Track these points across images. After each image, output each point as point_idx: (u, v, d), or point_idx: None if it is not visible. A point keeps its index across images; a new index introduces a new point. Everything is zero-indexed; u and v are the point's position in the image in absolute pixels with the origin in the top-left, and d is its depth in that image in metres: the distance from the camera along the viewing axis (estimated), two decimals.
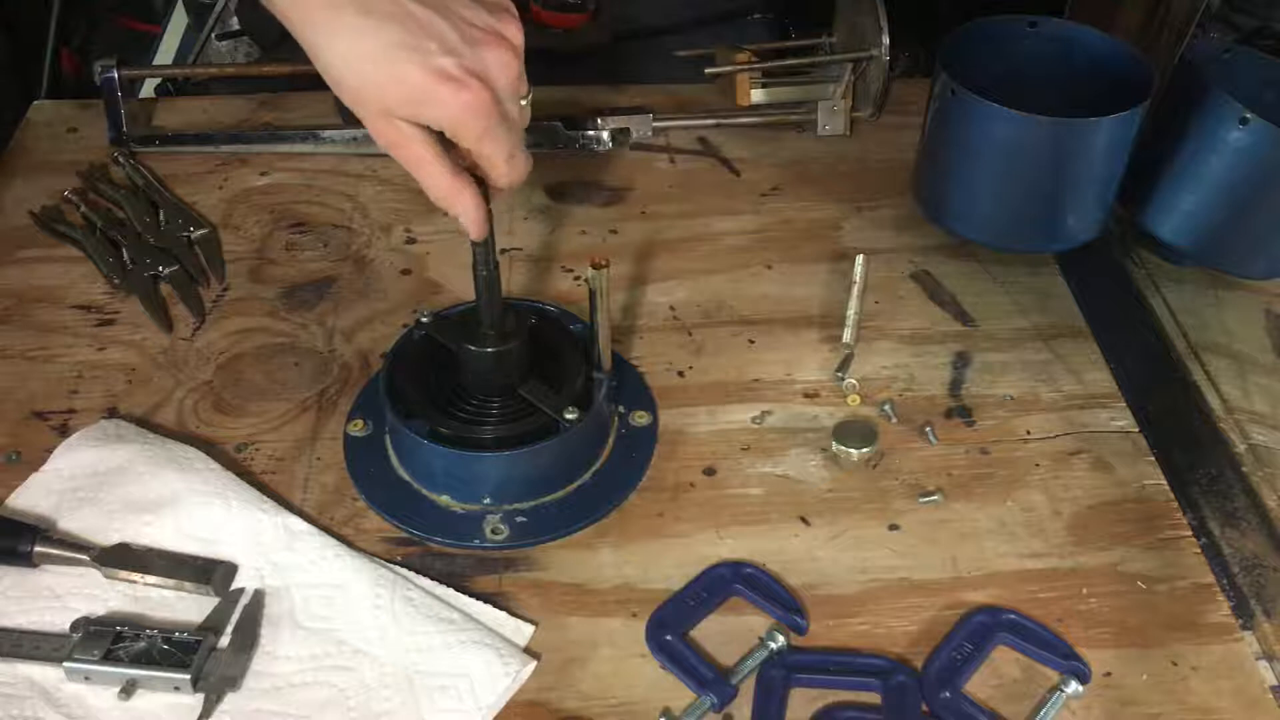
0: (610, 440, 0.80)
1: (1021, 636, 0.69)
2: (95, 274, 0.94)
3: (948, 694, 0.65)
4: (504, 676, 0.65)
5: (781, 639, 0.67)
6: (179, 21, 1.31)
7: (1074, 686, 0.65)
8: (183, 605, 0.68)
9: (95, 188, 1.02)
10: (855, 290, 0.92)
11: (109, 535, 0.71)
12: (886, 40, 1.07)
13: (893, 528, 0.76)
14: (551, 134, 1.08)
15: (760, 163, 1.10)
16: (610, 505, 0.77)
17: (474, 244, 0.71)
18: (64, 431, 0.80)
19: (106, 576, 0.69)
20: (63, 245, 0.97)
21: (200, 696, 0.63)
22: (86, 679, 0.64)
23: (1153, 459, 0.81)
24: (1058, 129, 0.86)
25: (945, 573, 0.73)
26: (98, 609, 0.68)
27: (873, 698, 0.66)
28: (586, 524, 0.75)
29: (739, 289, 0.95)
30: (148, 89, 1.21)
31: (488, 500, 0.75)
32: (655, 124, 1.11)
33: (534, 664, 0.67)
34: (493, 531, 0.74)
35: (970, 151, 0.91)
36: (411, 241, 0.99)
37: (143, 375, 0.85)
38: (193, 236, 0.97)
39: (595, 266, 0.73)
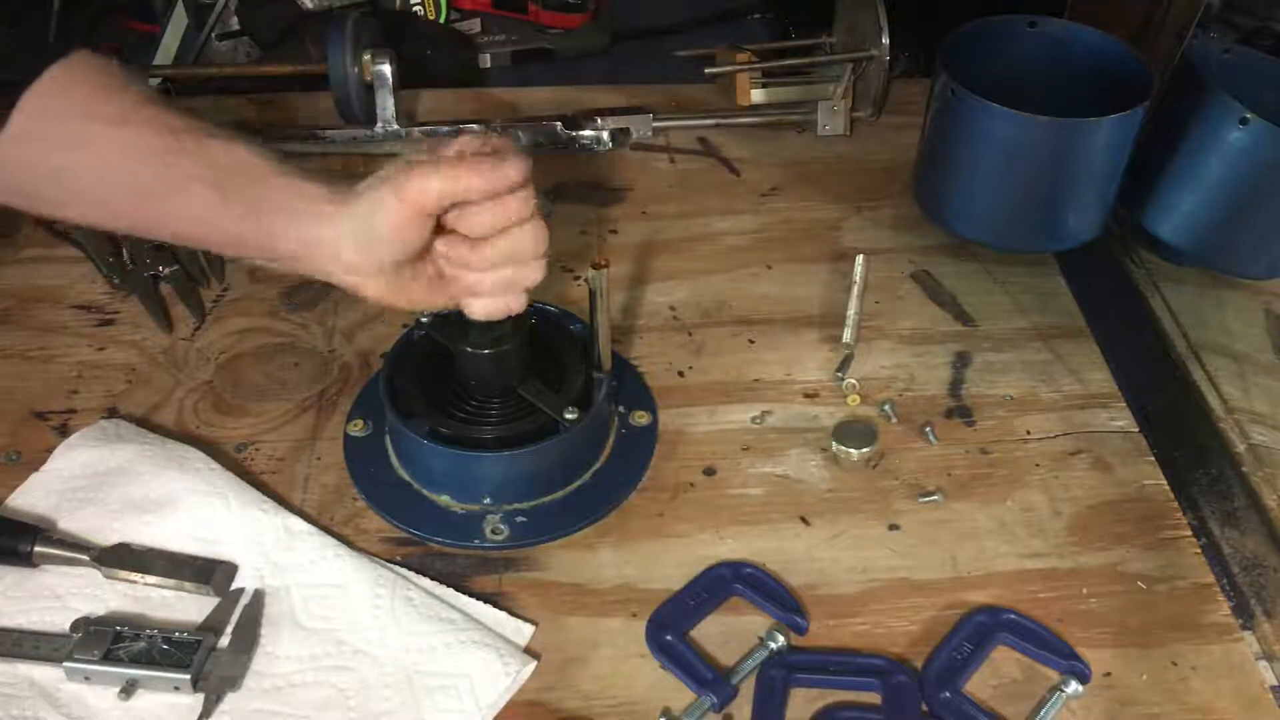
0: (610, 440, 0.80)
1: (1021, 636, 0.69)
2: (95, 274, 0.94)
3: (948, 694, 0.65)
4: (504, 676, 0.65)
5: (781, 639, 0.67)
6: (179, 21, 1.31)
7: (1074, 686, 0.65)
8: (183, 605, 0.68)
9: None
10: (855, 290, 0.92)
11: (109, 535, 0.71)
12: (886, 40, 1.07)
13: (893, 528, 0.76)
14: (551, 134, 1.08)
15: (760, 163, 1.10)
16: (610, 505, 0.77)
17: None
18: (64, 431, 0.80)
19: (106, 576, 0.69)
20: (63, 245, 0.97)
21: (200, 696, 0.63)
22: (86, 679, 0.64)
23: (1153, 459, 0.81)
24: (1058, 129, 0.86)
25: (945, 573, 0.73)
26: (98, 609, 0.68)
27: (873, 698, 0.66)
28: (586, 524, 0.75)
29: (739, 289, 0.95)
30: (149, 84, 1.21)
31: (488, 500, 0.75)
32: (655, 124, 1.11)
33: (534, 664, 0.67)
34: (493, 531, 0.74)
35: (970, 151, 0.91)
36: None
37: (143, 375, 0.85)
38: None
39: (595, 266, 0.73)
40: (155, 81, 1.21)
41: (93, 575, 0.69)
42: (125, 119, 0.67)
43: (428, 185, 0.63)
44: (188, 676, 0.63)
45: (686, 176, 1.08)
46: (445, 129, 1.08)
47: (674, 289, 0.95)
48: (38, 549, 0.69)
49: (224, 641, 0.66)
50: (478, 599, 0.70)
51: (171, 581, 0.69)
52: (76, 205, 0.70)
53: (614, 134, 1.10)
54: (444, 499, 0.76)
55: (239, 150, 0.67)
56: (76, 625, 0.66)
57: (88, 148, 0.67)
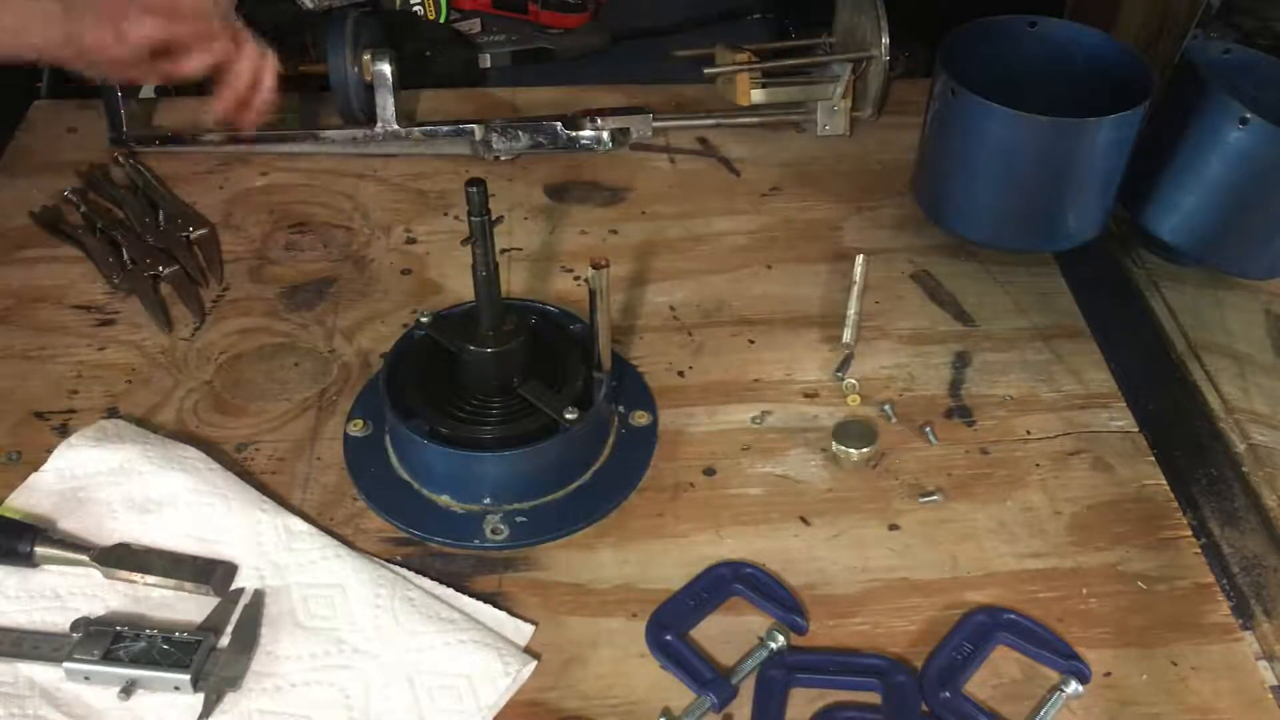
0: (610, 440, 0.80)
1: (1021, 636, 0.69)
2: (95, 274, 0.94)
3: (948, 694, 0.65)
4: (504, 676, 0.65)
5: (781, 639, 0.67)
6: None
7: (1074, 686, 0.65)
8: (183, 605, 0.68)
9: (95, 188, 1.02)
10: (855, 290, 0.92)
11: (109, 535, 0.71)
12: (886, 40, 1.07)
13: (893, 528, 0.76)
14: (551, 134, 1.08)
15: (760, 163, 1.10)
16: (610, 505, 0.77)
17: (473, 244, 0.71)
18: (64, 431, 0.80)
19: (106, 576, 0.69)
20: (63, 245, 0.97)
21: (200, 696, 0.63)
22: (86, 679, 0.64)
23: (1153, 459, 0.81)
24: (1058, 129, 0.86)
25: (945, 573, 0.73)
26: (98, 609, 0.68)
27: (873, 698, 0.66)
28: (586, 524, 0.75)
29: (739, 289, 0.95)
30: (148, 89, 1.21)
31: (488, 500, 0.75)
32: (655, 124, 1.11)
33: (534, 664, 0.67)
34: (493, 531, 0.74)
35: (970, 151, 0.91)
36: (411, 241, 0.99)
37: (143, 375, 0.85)
38: (192, 236, 0.97)
39: (595, 266, 0.73)
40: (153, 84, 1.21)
41: (93, 575, 0.69)
42: None
43: None
44: (188, 676, 0.63)
45: (686, 176, 1.08)
46: (445, 129, 1.08)
47: (674, 289, 0.95)
48: (38, 549, 0.69)
49: (224, 641, 0.66)
50: (478, 599, 0.70)
51: (171, 581, 0.69)
52: None
53: (614, 134, 1.09)
54: (444, 499, 0.76)
55: None
56: (76, 625, 0.66)
57: None
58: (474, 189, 0.69)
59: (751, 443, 0.82)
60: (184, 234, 0.97)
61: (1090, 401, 0.86)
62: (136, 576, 0.69)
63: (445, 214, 1.02)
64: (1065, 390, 0.86)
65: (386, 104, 1.06)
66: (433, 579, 0.71)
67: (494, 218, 0.71)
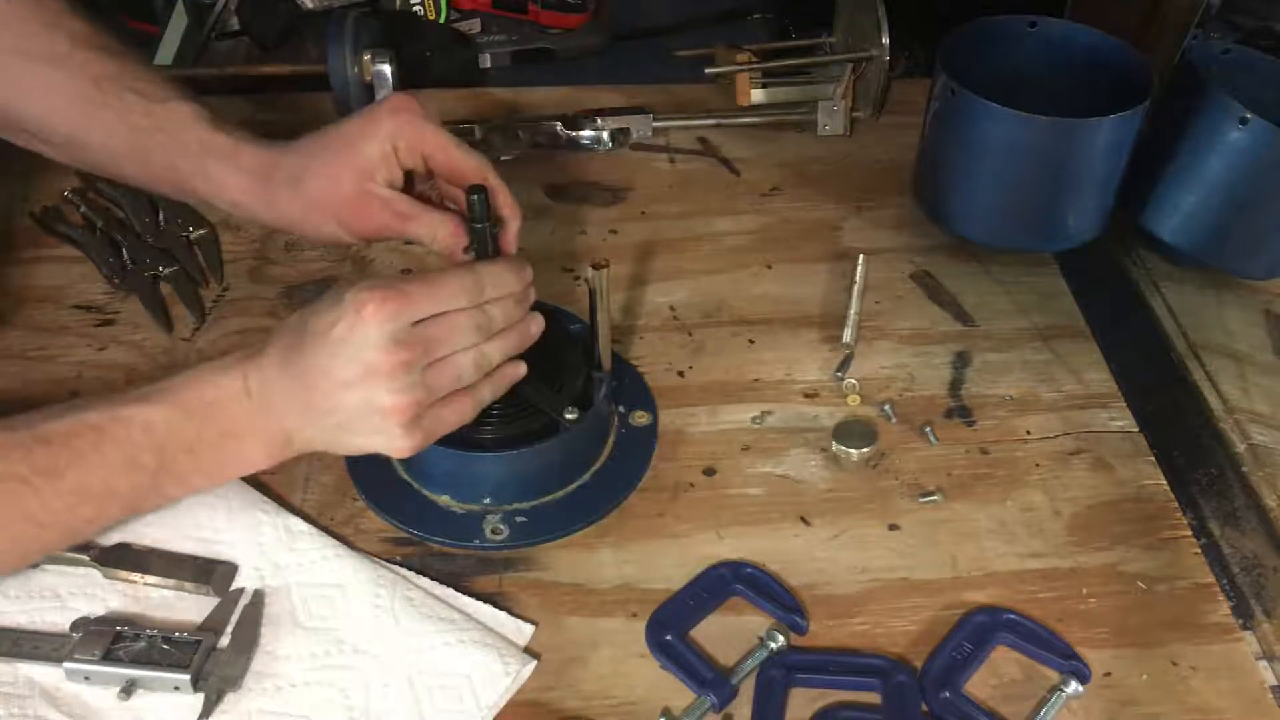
0: (610, 440, 0.80)
1: (1021, 636, 0.69)
2: (95, 274, 0.94)
3: (948, 694, 0.65)
4: (504, 676, 0.65)
5: (781, 639, 0.67)
6: (179, 21, 1.31)
7: (1074, 686, 0.65)
8: (183, 605, 0.68)
9: (95, 188, 1.02)
10: (855, 290, 0.92)
11: (109, 535, 0.71)
12: (886, 40, 1.07)
13: (893, 528, 0.76)
14: (551, 134, 1.08)
15: (760, 163, 1.10)
16: (610, 505, 0.77)
17: (475, 252, 0.71)
18: None
19: (106, 576, 0.69)
20: (63, 245, 0.97)
21: (200, 696, 0.63)
22: (86, 679, 0.64)
23: (1153, 459, 0.81)
24: (1058, 129, 0.86)
25: (945, 573, 0.73)
26: (98, 609, 0.68)
27: (873, 698, 0.66)
28: (586, 524, 0.75)
29: (739, 289, 0.95)
30: None
31: (488, 500, 0.75)
32: (655, 124, 1.11)
33: (534, 664, 0.67)
34: (493, 531, 0.74)
35: (970, 151, 0.91)
36: (411, 241, 0.99)
37: (143, 375, 0.85)
38: (192, 236, 0.97)
39: (595, 266, 0.73)
40: None
41: (93, 575, 0.69)
42: (56, 60, 0.70)
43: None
44: (188, 676, 0.63)
45: (686, 176, 1.08)
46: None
47: (674, 289, 0.95)
48: None
49: (224, 641, 0.66)
50: (478, 599, 0.70)
51: (171, 581, 0.69)
52: (26, 135, 0.74)
53: (614, 134, 1.09)
54: (444, 499, 0.76)
55: (158, 110, 0.70)
56: (76, 625, 0.66)
57: (23, 86, 0.70)
58: (476, 196, 0.69)
59: (751, 443, 0.82)
60: (184, 234, 0.97)
61: (1090, 401, 0.86)
62: (136, 576, 0.69)
63: None
64: (1065, 390, 0.86)
65: None
66: (433, 579, 0.71)
67: (494, 222, 0.71)
